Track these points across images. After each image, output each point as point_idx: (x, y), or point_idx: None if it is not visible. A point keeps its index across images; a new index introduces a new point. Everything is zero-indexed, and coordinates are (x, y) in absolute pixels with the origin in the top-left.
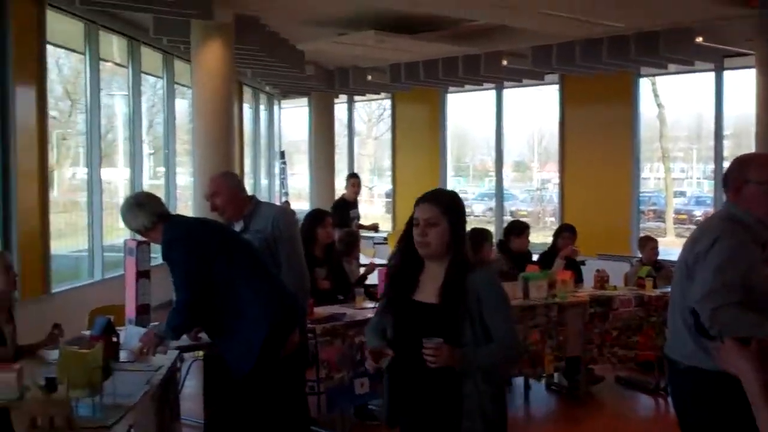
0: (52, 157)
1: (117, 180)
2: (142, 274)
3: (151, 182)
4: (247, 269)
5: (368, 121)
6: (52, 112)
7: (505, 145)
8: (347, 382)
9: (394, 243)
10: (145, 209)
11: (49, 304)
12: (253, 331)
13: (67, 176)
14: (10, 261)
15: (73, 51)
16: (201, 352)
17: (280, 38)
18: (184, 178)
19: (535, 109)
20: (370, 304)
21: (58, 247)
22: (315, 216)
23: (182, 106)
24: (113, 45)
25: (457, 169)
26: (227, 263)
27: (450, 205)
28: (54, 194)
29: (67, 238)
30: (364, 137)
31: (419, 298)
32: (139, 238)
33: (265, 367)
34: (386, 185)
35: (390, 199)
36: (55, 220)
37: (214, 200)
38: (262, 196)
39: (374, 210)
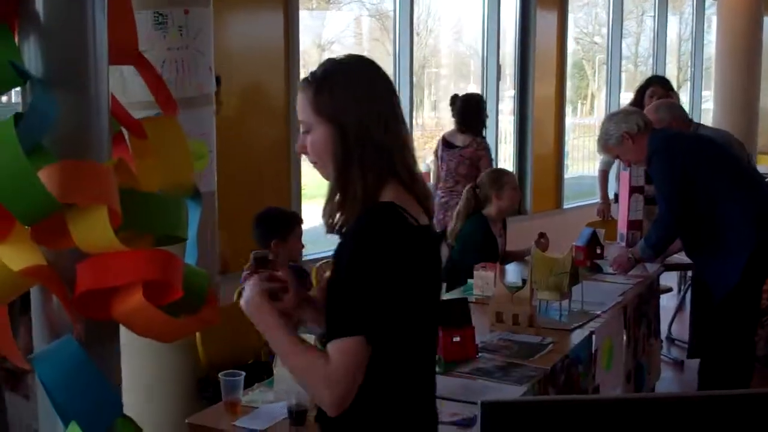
0: (593, 83)
1: None
2: (635, 190)
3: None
4: (732, 181)
5: None
6: (596, 38)
7: None
8: None
9: None
10: (637, 113)
11: (560, 218)
12: (736, 249)
13: (604, 102)
14: (514, 181)
15: None
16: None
17: None
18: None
19: None
20: None
21: (578, 170)
22: None
23: None
24: None
25: None
26: (710, 176)
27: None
28: (592, 119)
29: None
30: None
31: None
32: None
33: (748, 291)
34: None
35: None
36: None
37: None
38: None
39: None
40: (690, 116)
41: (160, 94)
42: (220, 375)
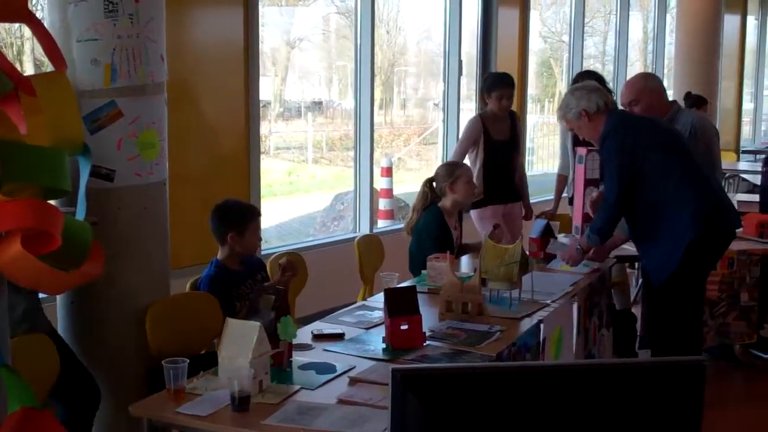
0: (561, 81)
1: None
2: (590, 182)
3: None
4: (681, 172)
5: None
6: (563, 37)
7: None
8: None
9: None
10: (600, 92)
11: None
12: (676, 238)
13: None
14: (471, 175)
15: None
16: None
17: None
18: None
19: None
20: None
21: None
22: None
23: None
24: None
25: None
26: (660, 164)
27: None
28: None
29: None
30: None
31: None
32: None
33: (686, 281)
34: None
35: None
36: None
37: (632, 108)
38: (764, 117)
39: None
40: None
41: (50, 50)
42: (163, 362)
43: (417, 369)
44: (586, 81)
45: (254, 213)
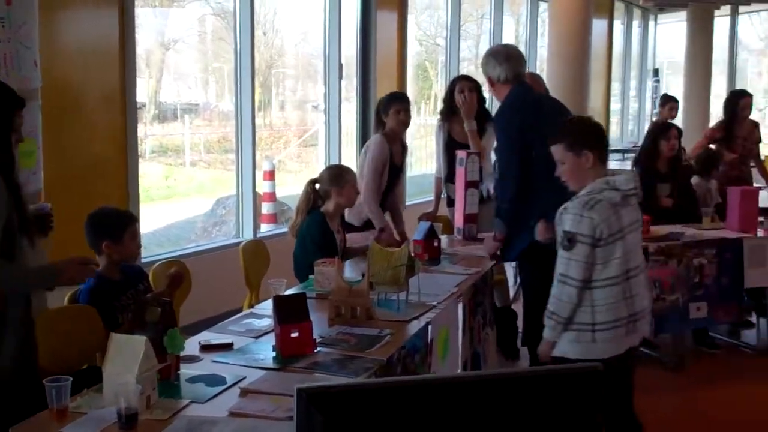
0: (436, 84)
1: None
2: (471, 184)
3: None
4: (546, 172)
5: (766, 37)
6: (438, 40)
7: None
8: (681, 305)
9: None
10: (510, 63)
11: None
12: (526, 231)
13: None
14: (355, 178)
15: None
16: None
17: None
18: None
19: None
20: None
21: (421, 168)
22: (659, 128)
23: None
24: None
25: None
26: (541, 154)
27: None
28: (435, 119)
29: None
30: (757, 54)
31: None
32: (470, 149)
33: (527, 267)
34: None
35: None
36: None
37: None
38: (631, 117)
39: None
40: None
41: None
42: (44, 381)
43: (323, 387)
44: (508, 46)
45: (130, 219)
